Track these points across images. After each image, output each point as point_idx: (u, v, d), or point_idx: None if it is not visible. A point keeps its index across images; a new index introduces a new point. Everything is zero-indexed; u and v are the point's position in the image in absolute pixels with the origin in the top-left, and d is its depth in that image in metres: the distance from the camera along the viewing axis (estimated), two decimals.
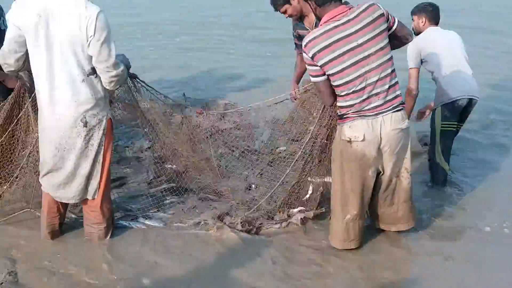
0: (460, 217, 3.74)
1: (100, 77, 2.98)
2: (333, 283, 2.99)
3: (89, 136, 3.05)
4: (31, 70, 3.03)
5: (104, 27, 2.85)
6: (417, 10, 4.28)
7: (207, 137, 3.95)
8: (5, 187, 3.54)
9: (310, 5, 3.05)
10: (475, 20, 10.99)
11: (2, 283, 2.90)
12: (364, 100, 2.94)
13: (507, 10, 12.47)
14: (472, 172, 4.41)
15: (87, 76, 2.95)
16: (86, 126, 3.02)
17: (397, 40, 3.05)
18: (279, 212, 3.57)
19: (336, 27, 2.88)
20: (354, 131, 2.98)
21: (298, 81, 4.44)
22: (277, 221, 3.51)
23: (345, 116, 3.02)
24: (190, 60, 8.27)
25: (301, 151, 3.44)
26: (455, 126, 4.12)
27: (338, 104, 3.05)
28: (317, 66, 2.94)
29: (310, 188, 3.57)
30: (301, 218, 3.50)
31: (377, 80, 2.92)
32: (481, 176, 4.35)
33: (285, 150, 3.82)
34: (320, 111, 3.31)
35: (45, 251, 3.22)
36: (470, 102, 4.06)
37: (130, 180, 4.09)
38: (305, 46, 2.94)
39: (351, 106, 2.97)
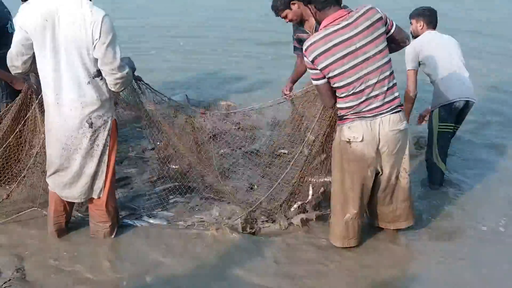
0: (457, 216, 3.80)
1: (105, 79, 3.03)
2: (334, 282, 3.04)
3: (94, 137, 3.11)
4: (38, 72, 3.08)
5: (109, 31, 2.91)
6: (415, 14, 4.34)
7: (210, 137, 4.00)
8: (13, 186, 3.61)
9: (310, 10, 3.11)
10: (474, 24, 11.07)
11: (10, 279, 2.97)
12: (363, 101, 3.01)
13: (503, 14, 12.54)
14: (469, 172, 4.48)
15: (93, 78, 3.00)
16: (92, 127, 3.08)
17: (394, 43, 3.11)
18: (280, 211, 3.62)
19: (335, 31, 2.95)
20: (353, 132, 3.05)
21: (294, 82, 4.46)
22: (278, 222, 3.56)
23: (344, 117, 3.09)
24: (192, 62, 8.30)
25: (301, 149, 3.49)
26: (452, 127, 4.19)
27: (338, 105, 3.12)
28: (317, 69, 3.01)
29: (311, 190, 3.62)
30: (301, 219, 3.54)
31: (375, 82, 2.98)
32: (478, 176, 4.41)
33: (286, 153, 3.87)
34: (320, 111, 3.38)
35: (51, 249, 3.28)
36: (467, 104, 4.12)
37: (134, 179, 4.15)
38: (306, 50, 3.01)
39: (351, 107, 3.04)
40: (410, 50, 4.12)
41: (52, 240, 3.35)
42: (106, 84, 3.06)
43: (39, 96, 3.36)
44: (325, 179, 3.60)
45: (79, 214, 3.60)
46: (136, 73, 3.48)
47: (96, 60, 2.96)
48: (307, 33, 4.00)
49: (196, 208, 3.74)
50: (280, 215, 3.60)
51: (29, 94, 3.52)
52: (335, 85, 3.03)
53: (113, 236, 3.38)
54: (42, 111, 3.29)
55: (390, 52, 3.06)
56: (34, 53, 3.01)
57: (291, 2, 3.97)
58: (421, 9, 4.35)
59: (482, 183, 4.30)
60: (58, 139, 3.10)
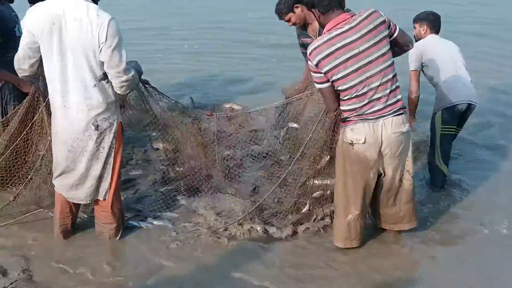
0: (461, 218, 3.81)
1: (111, 82, 3.06)
2: (339, 285, 3.04)
3: (100, 139, 3.14)
4: (45, 75, 3.11)
5: (115, 34, 2.94)
6: (419, 18, 4.37)
7: (216, 137, 4.03)
8: (20, 188, 3.63)
9: (314, 14, 3.15)
10: (476, 27, 11.08)
11: (16, 280, 3.00)
12: (366, 104, 3.03)
13: (506, 17, 12.55)
14: (472, 174, 4.48)
15: (99, 81, 3.03)
16: (98, 130, 3.11)
17: (398, 47, 3.13)
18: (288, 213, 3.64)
19: (338, 34, 2.97)
20: (356, 134, 3.08)
21: (306, 84, 4.48)
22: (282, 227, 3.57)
23: (347, 119, 3.12)
24: (196, 65, 8.33)
25: (302, 149, 3.51)
26: (454, 130, 4.21)
27: (341, 108, 3.14)
28: (321, 73, 3.04)
29: (307, 205, 3.65)
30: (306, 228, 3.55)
31: (378, 85, 3.00)
32: (481, 177, 4.42)
33: (296, 128, 3.83)
34: (322, 111, 3.40)
35: (57, 250, 3.31)
36: (469, 107, 4.14)
37: (139, 181, 4.19)
38: (310, 54, 3.04)
39: (354, 109, 3.06)
40: (414, 50, 4.11)
41: (58, 241, 3.38)
42: (112, 87, 3.09)
43: (46, 99, 3.39)
44: (327, 182, 3.61)
45: (85, 215, 3.63)
46: (142, 77, 3.50)
47: (102, 63, 2.99)
48: (311, 37, 4.02)
49: (200, 209, 3.75)
50: (285, 220, 3.59)
51: (36, 96, 3.56)
52: (339, 88, 3.05)
53: (118, 237, 3.41)
54: (49, 114, 3.32)
55: (394, 56, 3.08)
56: (41, 56, 3.03)
57: (295, 5, 3.99)
58: (425, 13, 4.38)
59: (485, 184, 4.31)
60: (64, 141, 3.13)
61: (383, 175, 3.20)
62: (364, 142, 3.07)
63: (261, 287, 3.01)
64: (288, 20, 4.10)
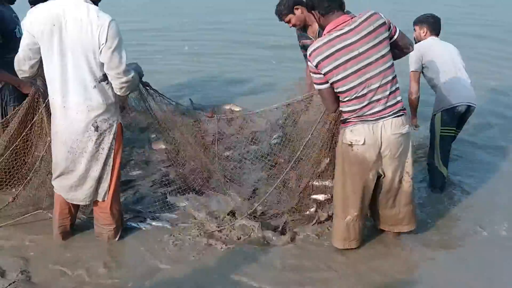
0: (460, 219, 3.81)
1: (111, 83, 3.06)
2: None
3: (100, 140, 3.14)
4: (45, 76, 3.11)
5: (115, 35, 2.94)
6: (419, 21, 4.38)
7: (216, 138, 4.03)
8: (19, 189, 3.64)
9: (314, 15, 3.16)
10: (476, 28, 11.11)
11: (14, 281, 3.00)
12: (365, 105, 3.03)
13: (506, 19, 12.58)
14: (472, 175, 4.49)
15: (99, 82, 3.03)
16: (97, 131, 3.11)
17: (398, 49, 3.14)
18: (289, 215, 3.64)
19: (338, 36, 2.98)
20: (355, 135, 3.08)
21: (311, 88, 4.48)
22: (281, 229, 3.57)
23: (347, 121, 3.12)
24: (196, 66, 8.34)
25: (298, 153, 3.51)
26: (454, 131, 4.21)
27: (341, 109, 3.15)
28: (321, 74, 3.04)
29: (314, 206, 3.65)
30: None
31: (378, 87, 3.01)
32: (480, 178, 4.42)
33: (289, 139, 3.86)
34: (322, 113, 3.40)
35: (56, 251, 3.31)
36: (468, 109, 4.15)
37: (138, 182, 4.18)
38: (310, 55, 3.05)
39: (353, 111, 3.07)
40: (414, 52, 4.12)
41: (57, 242, 3.38)
42: (112, 88, 3.09)
43: (46, 100, 3.39)
44: (326, 183, 3.62)
45: (84, 216, 3.64)
46: (143, 79, 3.50)
47: (102, 64, 2.99)
48: (311, 39, 4.03)
49: (199, 211, 3.73)
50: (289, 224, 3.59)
51: (36, 97, 3.56)
52: (338, 90, 3.05)
53: (117, 239, 3.41)
54: (49, 115, 3.32)
55: (394, 59, 3.08)
56: (41, 57, 3.03)
57: (295, 7, 4.01)
58: (425, 16, 4.39)
59: (485, 185, 4.32)
60: (64, 142, 3.13)
61: (383, 176, 3.20)
62: (364, 143, 3.07)
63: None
64: (288, 22, 4.11)
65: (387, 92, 3.03)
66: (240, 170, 4.25)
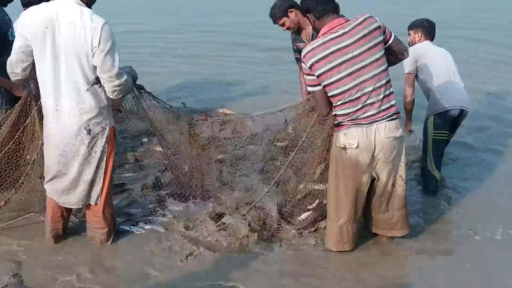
0: (453, 222, 3.81)
1: (103, 87, 3.05)
2: None
3: (92, 144, 3.13)
4: (37, 79, 3.10)
5: (108, 38, 2.93)
6: (414, 25, 4.40)
7: (208, 142, 4.03)
8: (11, 193, 3.61)
9: (309, 18, 3.16)
10: (474, 32, 11.17)
11: (7, 285, 2.98)
12: (359, 109, 3.03)
13: (504, 23, 12.65)
14: (468, 177, 4.50)
15: (91, 85, 3.02)
16: (90, 134, 3.10)
17: (392, 55, 3.13)
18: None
19: (332, 39, 2.98)
20: (349, 139, 3.08)
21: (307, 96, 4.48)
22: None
23: (341, 124, 3.12)
24: (191, 68, 8.35)
25: (294, 153, 3.51)
26: (446, 135, 4.22)
27: (335, 112, 3.14)
28: (314, 75, 3.05)
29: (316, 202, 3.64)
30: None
31: (371, 90, 3.01)
32: (476, 181, 4.44)
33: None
34: (315, 118, 3.41)
35: (48, 255, 3.29)
36: (461, 113, 4.16)
37: (131, 186, 4.16)
38: (304, 56, 3.06)
39: (347, 114, 3.06)
40: (410, 54, 4.15)
41: (49, 246, 3.36)
42: (105, 91, 3.08)
43: (38, 103, 3.37)
44: (321, 187, 3.61)
45: (76, 220, 3.62)
46: (138, 81, 3.48)
47: (95, 67, 2.98)
48: (305, 42, 4.03)
49: (193, 214, 3.72)
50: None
51: (28, 100, 3.54)
52: (332, 93, 3.05)
53: (109, 242, 3.39)
54: (41, 118, 3.30)
55: (389, 65, 3.08)
56: (34, 60, 3.02)
57: (289, 10, 4.01)
58: (420, 20, 4.42)
59: (479, 189, 4.32)
60: (56, 146, 3.12)
61: (376, 179, 3.20)
62: (357, 147, 3.07)
63: None
64: (282, 25, 4.11)
65: (381, 96, 3.03)
66: (234, 173, 4.23)
